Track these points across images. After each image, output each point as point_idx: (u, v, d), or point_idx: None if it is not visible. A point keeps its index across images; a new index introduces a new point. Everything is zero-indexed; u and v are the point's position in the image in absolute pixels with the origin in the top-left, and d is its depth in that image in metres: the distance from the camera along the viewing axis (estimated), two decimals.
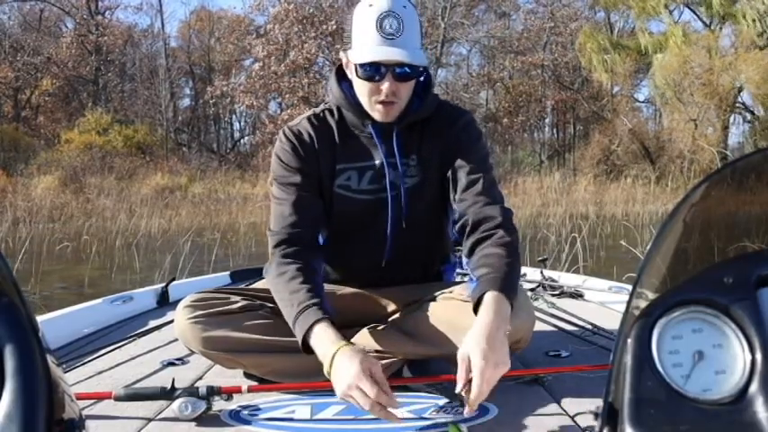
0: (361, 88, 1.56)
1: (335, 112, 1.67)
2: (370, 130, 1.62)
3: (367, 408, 1.24)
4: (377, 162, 1.63)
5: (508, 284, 1.38)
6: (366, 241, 1.67)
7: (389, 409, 1.25)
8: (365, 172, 1.64)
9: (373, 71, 1.51)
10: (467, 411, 1.25)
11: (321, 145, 1.64)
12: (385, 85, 1.51)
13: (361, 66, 1.52)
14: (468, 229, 1.53)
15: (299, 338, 1.39)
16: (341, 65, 1.66)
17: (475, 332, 1.28)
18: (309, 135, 1.64)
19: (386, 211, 1.63)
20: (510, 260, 1.43)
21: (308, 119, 1.68)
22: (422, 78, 1.64)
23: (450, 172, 1.61)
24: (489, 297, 1.34)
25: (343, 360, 1.28)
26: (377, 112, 1.57)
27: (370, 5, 1.51)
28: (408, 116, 1.62)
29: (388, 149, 1.62)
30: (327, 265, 1.72)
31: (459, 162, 1.60)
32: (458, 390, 1.23)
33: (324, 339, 1.35)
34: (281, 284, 1.48)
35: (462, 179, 1.58)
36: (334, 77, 1.66)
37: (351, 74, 1.59)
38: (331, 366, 1.30)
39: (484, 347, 1.24)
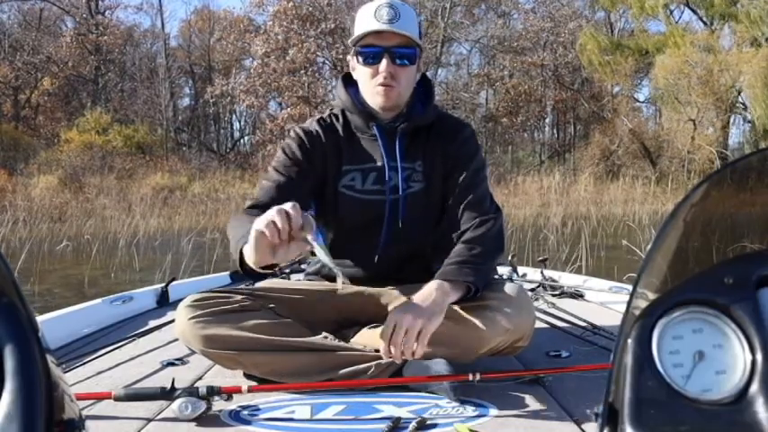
0: (363, 76, 1.66)
1: (341, 117, 1.75)
2: (375, 131, 1.70)
3: (275, 231, 1.24)
4: (380, 164, 1.70)
5: (450, 270, 1.54)
6: (362, 239, 1.72)
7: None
8: (369, 173, 1.71)
9: (371, 53, 1.62)
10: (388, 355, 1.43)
11: (329, 145, 1.73)
12: (383, 66, 1.61)
13: (360, 49, 1.63)
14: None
15: (235, 256, 1.42)
16: (347, 72, 1.76)
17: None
18: (319, 135, 1.74)
19: (384, 212, 1.69)
20: (463, 248, 1.59)
21: (318, 121, 1.77)
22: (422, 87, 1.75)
23: (446, 183, 1.71)
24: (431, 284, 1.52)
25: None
26: (377, 96, 1.65)
27: (371, 0, 1.64)
28: (412, 119, 1.70)
29: (391, 153, 1.70)
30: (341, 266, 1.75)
31: (454, 176, 1.71)
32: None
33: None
34: (232, 226, 1.51)
35: (454, 194, 1.70)
36: (341, 83, 1.75)
37: (355, 73, 1.70)
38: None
39: (406, 305, 1.45)
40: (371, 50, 1.62)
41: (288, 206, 1.26)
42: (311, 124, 1.77)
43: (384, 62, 1.61)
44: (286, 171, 1.69)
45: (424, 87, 1.77)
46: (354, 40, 1.66)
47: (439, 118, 1.76)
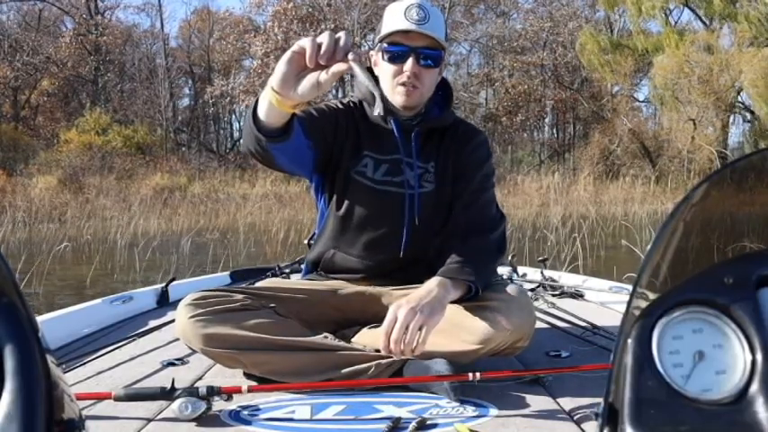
0: (386, 74, 1.65)
1: (359, 105, 1.75)
2: (393, 125, 1.69)
3: (318, 43, 1.23)
4: (394, 157, 1.70)
5: (451, 269, 1.54)
6: (382, 232, 1.72)
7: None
8: (381, 164, 1.71)
9: (397, 52, 1.61)
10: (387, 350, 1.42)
11: (351, 125, 1.72)
12: (408, 65, 1.60)
13: (387, 47, 1.62)
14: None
15: (250, 110, 1.40)
16: (369, 66, 1.74)
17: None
18: (343, 111, 1.74)
19: (401, 206, 1.69)
20: (465, 249, 1.59)
21: (340, 101, 1.77)
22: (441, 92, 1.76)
23: (455, 186, 1.72)
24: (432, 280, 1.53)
25: None
26: (398, 95, 1.65)
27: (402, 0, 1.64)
28: (429, 120, 1.72)
29: (407, 150, 1.70)
30: (343, 253, 1.75)
31: (463, 180, 1.71)
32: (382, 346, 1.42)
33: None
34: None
35: (461, 198, 1.70)
36: None
37: (378, 70, 1.68)
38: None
39: (407, 300, 1.43)
40: (398, 49, 1.62)
41: (341, 33, 1.24)
42: (334, 102, 1.76)
43: (409, 62, 1.61)
44: (310, 110, 1.67)
45: (443, 91, 1.78)
46: (381, 37, 1.65)
47: (454, 123, 1.78)
